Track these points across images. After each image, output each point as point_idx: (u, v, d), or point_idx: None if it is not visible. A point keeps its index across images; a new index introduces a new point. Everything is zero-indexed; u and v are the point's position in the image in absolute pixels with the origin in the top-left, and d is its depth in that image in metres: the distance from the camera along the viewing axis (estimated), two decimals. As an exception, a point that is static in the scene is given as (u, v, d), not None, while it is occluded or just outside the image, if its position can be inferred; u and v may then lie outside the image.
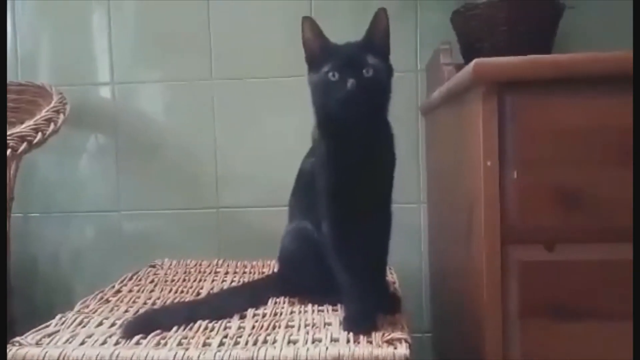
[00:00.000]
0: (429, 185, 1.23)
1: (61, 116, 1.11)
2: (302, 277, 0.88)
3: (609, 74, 0.73)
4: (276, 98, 1.29)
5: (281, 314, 0.84)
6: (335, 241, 0.80)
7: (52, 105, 1.11)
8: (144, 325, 0.78)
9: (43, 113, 1.07)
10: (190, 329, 0.78)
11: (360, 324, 0.73)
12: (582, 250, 0.75)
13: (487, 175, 0.74)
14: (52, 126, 1.06)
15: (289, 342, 0.72)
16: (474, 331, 0.81)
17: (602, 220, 0.74)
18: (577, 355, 0.75)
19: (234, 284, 1.03)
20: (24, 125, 1.02)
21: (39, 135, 1.02)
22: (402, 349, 0.67)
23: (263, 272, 1.10)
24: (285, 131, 1.29)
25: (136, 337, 0.74)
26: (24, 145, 0.98)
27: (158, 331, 0.76)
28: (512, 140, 0.74)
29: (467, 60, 0.98)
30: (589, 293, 0.75)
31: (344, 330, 0.74)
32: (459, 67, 0.91)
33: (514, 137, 0.74)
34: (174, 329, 0.77)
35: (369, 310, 0.75)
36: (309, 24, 0.79)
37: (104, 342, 0.73)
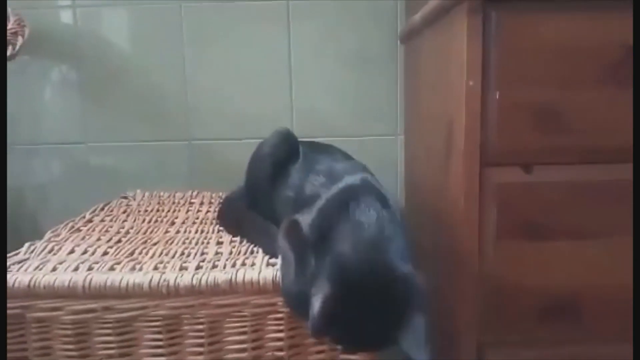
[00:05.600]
0: (407, 115, 1.22)
1: (19, 39, 1.03)
2: None
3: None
4: (251, 24, 1.23)
5: (259, 239, 0.83)
6: None
7: (9, 27, 1.03)
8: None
9: (-1, 35, 1.00)
10: (167, 254, 0.77)
11: None
12: (560, 171, 0.75)
13: (469, 96, 0.72)
14: (10, 50, 0.99)
15: (267, 264, 0.72)
16: (450, 253, 0.82)
17: (580, 141, 0.74)
18: (552, 273, 0.77)
19: (209, 214, 1.01)
20: (-22, 48, 0.95)
21: (-4, 58, 0.95)
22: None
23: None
24: (260, 59, 1.24)
25: (110, 263, 0.73)
26: (-20, 67, 0.92)
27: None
28: (495, 60, 0.72)
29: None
30: (564, 213, 0.75)
31: None
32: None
33: (498, 56, 0.72)
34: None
35: None
36: None
37: (76, 268, 0.71)
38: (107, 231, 0.89)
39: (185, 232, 0.89)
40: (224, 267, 0.71)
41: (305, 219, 0.72)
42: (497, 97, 0.73)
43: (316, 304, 0.60)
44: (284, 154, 0.89)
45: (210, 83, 1.26)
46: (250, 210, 0.89)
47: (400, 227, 0.69)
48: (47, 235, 0.86)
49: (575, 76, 0.72)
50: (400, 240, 0.67)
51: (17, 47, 1.01)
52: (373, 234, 0.66)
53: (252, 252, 0.77)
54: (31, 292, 0.68)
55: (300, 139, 0.93)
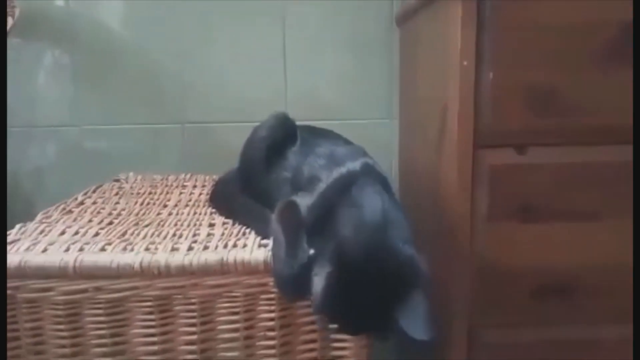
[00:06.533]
0: (402, 99, 1.21)
1: (10, 20, 1.02)
2: None
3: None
4: (246, 6, 1.22)
5: (251, 220, 0.83)
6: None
7: (-2, 7, 1.02)
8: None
9: (-12, 15, 0.98)
10: (158, 235, 0.76)
11: None
12: (553, 152, 0.75)
13: (463, 76, 0.72)
14: (0, 30, 0.98)
15: (259, 245, 0.71)
16: (443, 235, 0.82)
17: (575, 122, 0.74)
18: (546, 254, 0.77)
19: (202, 196, 1.00)
20: (-33, 28, 0.94)
21: (-15, 38, 0.94)
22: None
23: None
24: (256, 42, 1.23)
25: (101, 244, 0.72)
26: (-31, 48, 0.91)
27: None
28: (489, 40, 0.71)
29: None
30: (558, 195, 0.75)
31: None
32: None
33: (492, 36, 0.71)
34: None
35: None
36: None
37: (67, 249, 0.71)
38: (99, 213, 0.89)
39: (177, 214, 0.88)
40: (216, 248, 0.71)
41: (304, 201, 0.72)
42: (491, 78, 0.72)
43: (319, 282, 0.60)
44: (280, 137, 0.88)
45: (204, 66, 1.25)
46: (243, 193, 0.88)
47: (402, 211, 0.68)
48: (39, 216, 0.86)
49: (570, 55, 0.72)
50: (403, 224, 0.67)
51: (8, 28, 1.00)
52: (376, 218, 0.65)
53: (244, 234, 0.77)
54: (22, 273, 0.67)
55: (297, 123, 0.93)
